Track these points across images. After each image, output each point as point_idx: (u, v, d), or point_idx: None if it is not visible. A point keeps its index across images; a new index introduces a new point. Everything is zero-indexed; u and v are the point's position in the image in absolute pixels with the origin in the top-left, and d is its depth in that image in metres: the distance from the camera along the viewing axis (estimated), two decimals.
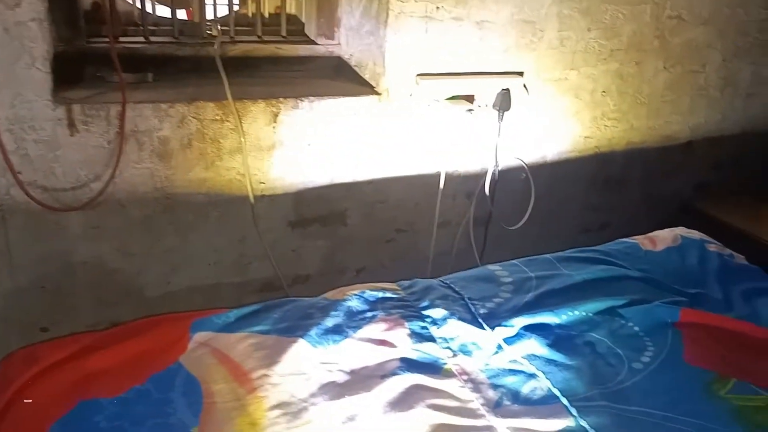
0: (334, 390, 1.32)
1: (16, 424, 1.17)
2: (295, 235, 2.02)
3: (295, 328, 1.45)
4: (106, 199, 1.74)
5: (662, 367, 1.45)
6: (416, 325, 1.51)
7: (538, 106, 2.21)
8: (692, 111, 2.52)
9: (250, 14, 2.16)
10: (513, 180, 2.25)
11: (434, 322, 1.52)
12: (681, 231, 1.95)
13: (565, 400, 1.35)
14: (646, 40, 2.31)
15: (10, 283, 1.73)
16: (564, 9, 2.12)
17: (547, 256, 1.83)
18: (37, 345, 1.36)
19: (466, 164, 2.18)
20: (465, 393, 1.36)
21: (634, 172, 2.51)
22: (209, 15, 2.07)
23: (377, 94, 1.98)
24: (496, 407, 1.33)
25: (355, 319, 1.50)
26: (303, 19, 2.22)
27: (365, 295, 1.58)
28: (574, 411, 1.32)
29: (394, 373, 1.37)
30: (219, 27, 1.99)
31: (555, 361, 1.45)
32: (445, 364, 1.43)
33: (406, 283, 1.68)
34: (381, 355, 1.42)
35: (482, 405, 1.33)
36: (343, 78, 2.11)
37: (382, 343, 1.45)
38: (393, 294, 1.61)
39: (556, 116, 2.27)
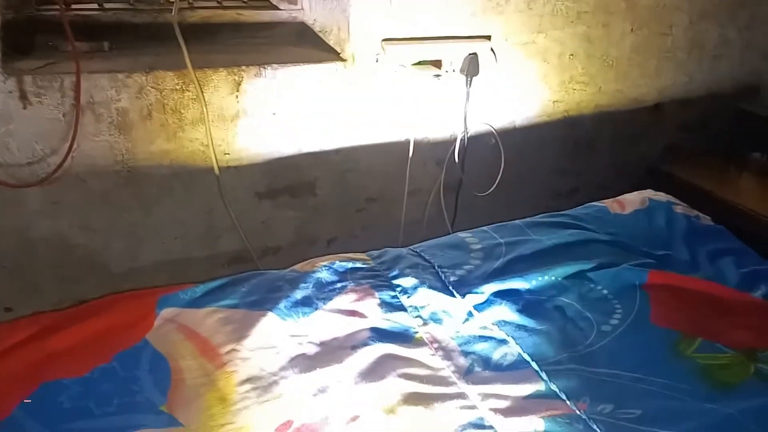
0: (305, 362, 1.31)
1: None
2: (263, 207, 1.99)
3: (263, 301, 1.43)
4: (65, 174, 1.69)
5: (630, 328, 1.47)
6: (386, 295, 1.50)
7: (506, 70, 2.19)
8: (659, 73, 2.52)
9: None
10: (483, 146, 2.24)
11: (404, 291, 1.52)
12: (649, 194, 1.96)
13: (535, 365, 1.36)
14: (614, 1, 2.29)
15: None
16: None
17: (517, 221, 1.82)
18: None
19: (435, 131, 2.16)
20: (436, 361, 1.36)
21: (603, 136, 2.52)
22: None
23: (342, 60, 1.94)
24: (467, 374, 1.33)
25: (325, 291, 1.49)
26: None
27: (335, 266, 1.56)
28: (544, 375, 1.33)
29: (364, 344, 1.36)
30: None
31: (525, 326, 1.46)
32: (416, 332, 1.42)
33: (375, 252, 1.67)
34: (351, 325, 1.41)
35: (453, 372, 1.33)
36: (307, 44, 2.06)
37: (352, 313, 1.44)
38: (363, 264, 1.60)
39: (524, 81, 2.25)
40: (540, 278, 1.58)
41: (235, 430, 1.16)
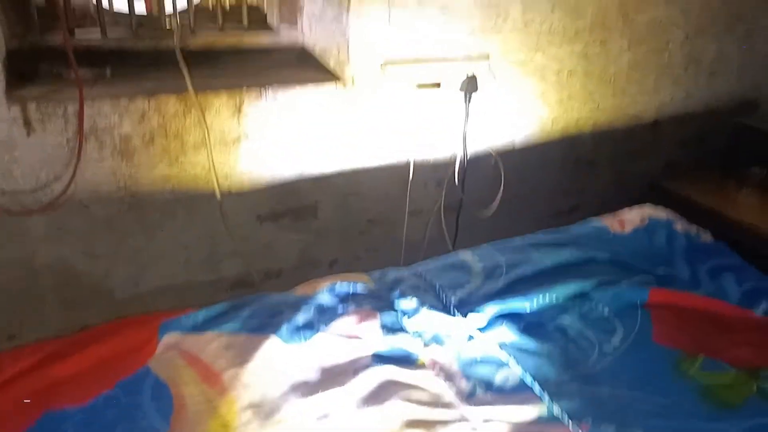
0: (307, 387, 1.32)
1: None
2: (265, 230, 2.00)
3: (265, 325, 1.44)
4: (68, 200, 1.70)
5: (632, 348, 1.47)
6: (387, 317, 1.50)
7: (505, 89, 2.20)
8: (658, 90, 2.53)
9: (210, 6, 2.11)
10: (483, 166, 2.25)
11: (405, 313, 1.52)
12: (649, 210, 1.97)
13: (537, 387, 1.36)
14: (610, 19, 2.31)
15: None
16: None
17: (517, 240, 1.83)
18: (2, 354, 1.33)
19: (435, 152, 2.17)
20: (438, 384, 1.36)
21: (603, 153, 2.53)
22: (168, 7, 2.01)
23: (342, 82, 1.96)
24: (469, 397, 1.33)
25: (326, 314, 1.49)
26: (265, 10, 2.18)
27: (336, 288, 1.57)
28: (546, 397, 1.33)
29: (366, 367, 1.37)
30: (179, 19, 1.94)
31: (526, 347, 1.46)
32: (418, 355, 1.43)
33: (376, 273, 1.67)
34: (353, 349, 1.41)
35: (455, 396, 1.33)
36: (307, 67, 2.08)
37: (354, 337, 1.44)
38: (364, 286, 1.61)
39: (523, 99, 2.26)
40: (541, 298, 1.58)
41: None
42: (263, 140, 1.89)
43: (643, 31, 2.39)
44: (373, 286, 1.62)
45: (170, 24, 1.95)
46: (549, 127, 2.36)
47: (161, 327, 1.41)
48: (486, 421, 1.27)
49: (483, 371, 1.40)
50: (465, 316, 1.52)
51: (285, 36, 2.09)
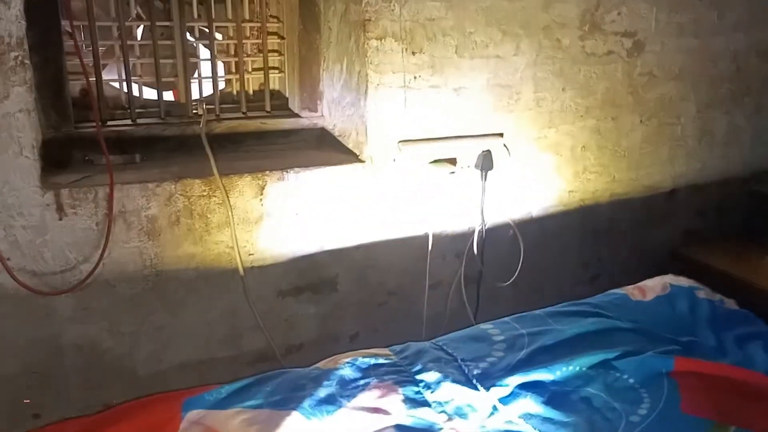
0: None
1: None
2: (286, 304, 2.02)
3: (287, 400, 1.44)
4: (96, 280, 1.75)
5: (660, 418, 1.44)
6: (410, 391, 1.49)
7: (520, 164, 2.26)
8: (672, 161, 2.57)
9: (234, 92, 2.22)
10: (501, 237, 2.27)
11: (428, 386, 1.51)
12: (670, 279, 1.96)
13: None
14: (620, 96, 2.38)
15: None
16: (538, 72, 2.20)
17: (538, 311, 1.83)
18: None
19: (453, 224, 2.21)
20: None
21: (621, 223, 2.54)
22: (195, 95, 2.13)
23: (361, 161, 2.02)
24: None
25: (349, 388, 1.49)
26: (286, 94, 2.29)
27: (357, 363, 1.57)
28: None
29: None
30: (204, 106, 2.05)
31: (551, 419, 1.44)
32: (441, 429, 1.41)
33: (398, 347, 1.67)
34: (376, 423, 1.40)
35: None
36: (327, 148, 2.16)
37: (377, 410, 1.43)
38: (385, 359, 1.61)
39: (538, 173, 2.31)
40: (564, 369, 1.57)
41: None
42: (284, 218, 1.94)
43: (653, 107, 2.46)
44: (395, 359, 1.62)
45: (197, 110, 2.05)
46: (566, 199, 2.40)
47: (185, 404, 1.42)
48: None
49: None
50: (488, 389, 1.51)
51: (306, 119, 2.19)
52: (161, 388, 1.61)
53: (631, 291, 1.91)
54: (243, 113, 2.15)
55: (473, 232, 2.19)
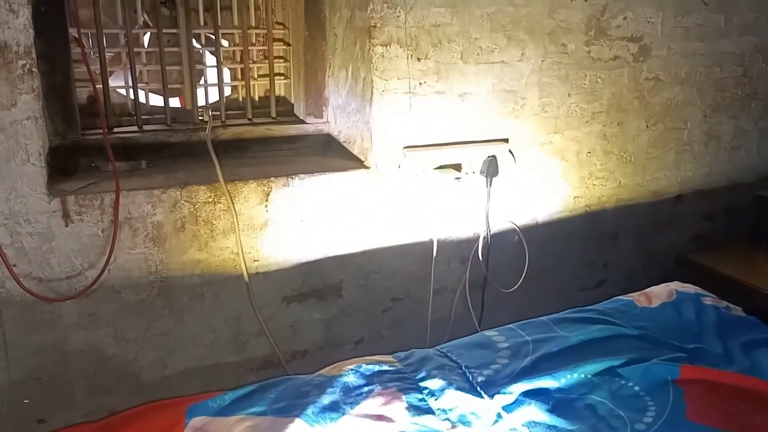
0: None
1: None
2: (291, 310, 2.03)
3: (291, 407, 1.43)
4: (101, 286, 1.76)
5: (665, 426, 1.43)
6: (414, 398, 1.49)
7: (525, 169, 2.25)
8: (679, 166, 2.56)
9: (240, 99, 2.23)
10: (506, 243, 2.27)
11: (432, 394, 1.51)
12: (676, 285, 1.95)
13: None
14: (626, 101, 2.38)
15: (5, 376, 1.73)
16: (543, 77, 2.20)
17: (543, 318, 1.82)
18: None
19: (458, 230, 2.21)
20: None
21: (626, 228, 2.54)
22: (201, 101, 2.14)
23: (366, 167, 2.03)
24: None
25: (352, 395, 1.49)
26: (292, 101, 2.30)
27: (361, 370, 1.57)
28: None
29: None
30: (210, 112, 2.05)
31: (556, 426, 1.43)
32: None
33: (402, 354, 1.67)
34: (379, 430, 1.40)
35: None
36: (332, 154, 2.16)
37: (380, 418, 1.43)
38: (389, 366, 1.60)
39: (544, 178, 2.31)
40: (569, 376, 1.56)
41: None
42: (289, 224, 1.95)
43: (659, 112, 2.45)
44: (398, 366, 1.61)
45: (203, 116, 2.06)
46: (571, 205, 2.39)
47: (188, 411, 1.42)
48: None
49: None
50: (492, 397, 1.50)
51: (311, 125, 2.19)
52: (166, 394, 1.62)
53: (637, 298, 1.91)
54: (249, 119, 2.16)
55: (478, 237, 2.18)
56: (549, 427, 1.43)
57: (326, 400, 1.46)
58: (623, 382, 1.56)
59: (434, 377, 1.55)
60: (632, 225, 2.54)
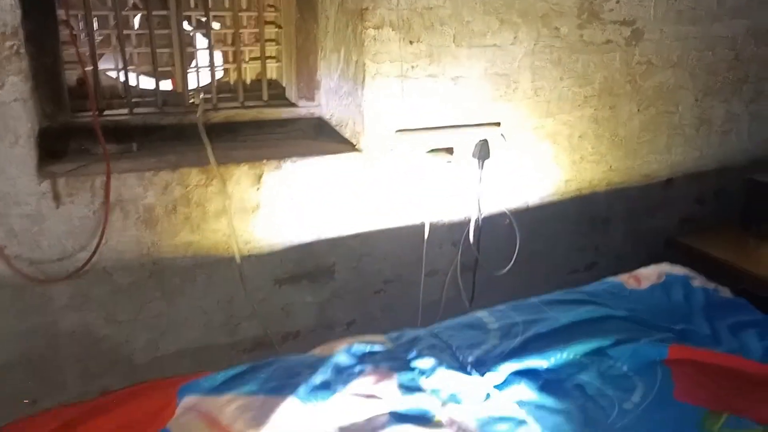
0: None
1: None
2: (283, 293, 2.03)
3: (283, 386, 1.44)
4: (93, 268, 1.76)
5: (653, 406, 1.45)
6: (405, 377, 1.50)
7: (517, 153, 2.26)
8: (670, 149, 2.57)
9: (231, 81, 2.22)
10: (497, 226, 2.28)
11: (422, 373, 1.52)
12: (665, 267, 1.97)
13: None
14: (618, 85, 2.38)
15: None
16: (536, 61, 2.19)
17: (533, 299, 1.83)
18: (22, 420, 1.35)
19: (450, 213, 2.21)
20: None
21: (617, 211, 2.55)
22: (192, 84, 2.13)
23: (358, 151, 2.03)
24: None
25: (344, 374, 1.50)
26: (284, 84, 2.29)
27: (353, 349, 1.58)
28: None
29: (384, 426, 1.36)
30: (202, 95, 2.05)
31: (545, 405, 1.44)
32: (435, 414, 1.42)
33: (393, 334, 1.68)
34: (370, 409, 1.41)
35: None
36: (324, 137, 2.16)
37: (371, 396, 1.44)
38: (380, 346, 1.61)
39: (536, 162, 2.31)
40: (558, 356, 1.58)
41: None
42: (281, 206, 1.95)
43: (651, 95, 2.46)
44: (390, 346, 1.62)
45: (194, 99, 2.05)
46: (563, 188, 2.40)
47: (180, 390, 1.42)
48: None
49: (501, 430, 1.38)
50: (482, 375, 1.52)
51: (303, 108, 2.19)
52: (158, 376, 1.61)
53: (626, 279, 1.92)
54: (240, 103, 2.15)
55: (470, 221, 2.19)
56: (538, 405, 1.45)
57: (318, 379, 1.47)
58: (612, 362, 1.58)
59: (425, 357, 1.56)
60: (623, 208, 2.55)
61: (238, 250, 1.91)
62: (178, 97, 2.09)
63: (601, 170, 2.46)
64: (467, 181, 2.16)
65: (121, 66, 1.98)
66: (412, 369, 1.53)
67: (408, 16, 1.97)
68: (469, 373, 1.53)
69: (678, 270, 1.95)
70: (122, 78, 2.01)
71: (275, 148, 2.02)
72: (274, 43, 2.25)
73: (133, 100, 2.01)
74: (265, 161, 1.90)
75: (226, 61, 2.22)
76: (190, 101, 2.07)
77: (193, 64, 2.14)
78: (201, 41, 2.16)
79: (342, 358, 1.55)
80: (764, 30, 2.60)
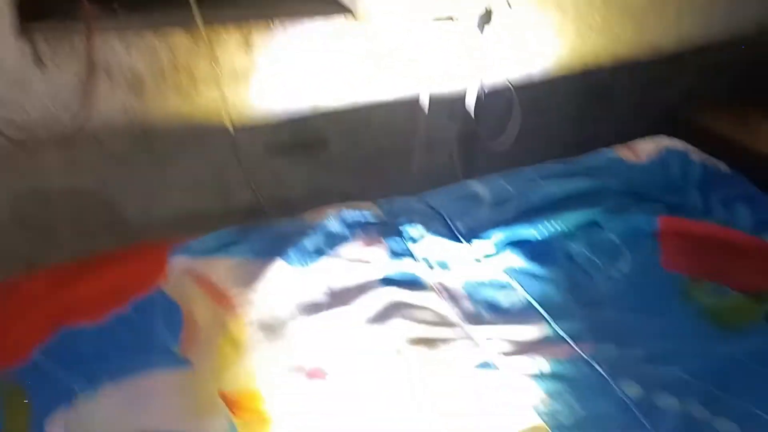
0: (314, 307, 1.35)
1: None
2: (276, 162, 2.01)
3: (273, 249, 1.46)
4: (82, 134, 1.72)
5: (639, 274, 1.48)
6: (394, 242, 1.52)
7: (523, 21, 2.15)
8: (678, 21, 2.45)
9: None
10: (498, 98, 2.21)
11: (412, 239, 1.53)
12: (664, 141, 1.93)
13: (542, 310, 1.37)
14: None
15: None
16: None
17: (527, 171, 1.81)
18: (16, 277, 1.38)
19: (449, 85, 2.14)
20: (443, 306, 1.38)
21: (621, 85, 2.47)
22: None
23: (354, 15, 1.92)
24: (473, 318, 1.35)
25: (333, 239, 1.51)
26: None
27: (343, 215, 1.58)
28: (550, 320, 1.35)
29: (372, 290, 1.39)
30: None
31: (532, 272, 1.47)
32: (424, 279, 1.44)
33: (384, 201, 1.68)
34: (360, 272, 1.43)
35: (460, 316, 1.35)
36: (319, 1, 2.05)
37: (361, 261, 1.46)
38: (371, 213, 1.61)
39: (541, 31, 2.21)
40: (549, 226, 1.58)
41: (245, 370, 1.20)
42: (274, 74, 1.88)
43: None
44: (380, 213, 1.63)
45: None
46: (567, 60, 2.31)
47: (171, 251, 1.44)
48: (488, 339, 1.29)
49: (488, 294, 1.41)
50: (471, 242, 1.53)
51: None
52: (150, 239, 1.63)
53: (624, 152, 1.89)
54: None
55: (470, 93, 2.13)
56: (525, 272, 1.47)
57: (308, 243, 1.48)
58: (602, 231, 1.58)
59: (415, 223, 1.57)
60: (627, 81, 2.47)
61: (229, 118, 1.86)
62: None
63: (608, 40, 2.35)
64: (469, 51, 2.07)
65: None
66: (402, 235, 1.54)
67: None
68: (459, 241, 1.54)
69: (677, 144, 1.91)
70: None
71: (265, 9, 1.91)
72: None
73: None
74: (253, 22, 1.81)
75: None
76: None
77: None
78: None
79: (332, 224, 1.55)
80: None
